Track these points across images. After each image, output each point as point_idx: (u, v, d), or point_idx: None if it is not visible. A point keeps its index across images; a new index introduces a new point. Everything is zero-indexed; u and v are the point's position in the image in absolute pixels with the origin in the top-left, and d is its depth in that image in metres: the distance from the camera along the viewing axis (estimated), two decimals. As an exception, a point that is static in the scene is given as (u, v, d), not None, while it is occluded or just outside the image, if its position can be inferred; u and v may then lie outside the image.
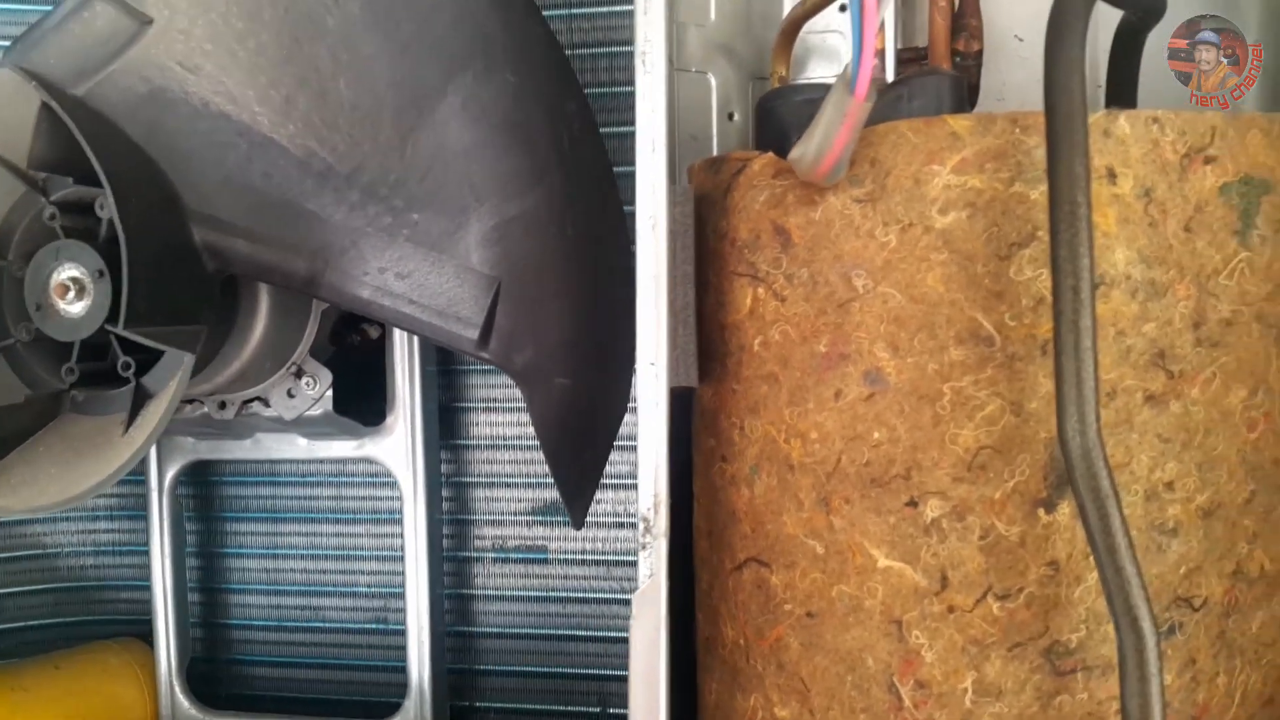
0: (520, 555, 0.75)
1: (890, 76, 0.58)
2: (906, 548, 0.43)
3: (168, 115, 0.51)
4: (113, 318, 0.48)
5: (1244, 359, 0.44)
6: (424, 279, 0.53)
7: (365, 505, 0.76)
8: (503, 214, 0.53)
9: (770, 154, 0.47)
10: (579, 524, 0.64)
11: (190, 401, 0.66)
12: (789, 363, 0.46)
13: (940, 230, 0.43)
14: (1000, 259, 0.43)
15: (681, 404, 0.53)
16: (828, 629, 0.45)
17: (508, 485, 0.75)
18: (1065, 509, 0.42)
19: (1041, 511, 0.42)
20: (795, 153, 0.42)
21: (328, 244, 0.52)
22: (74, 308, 0.50)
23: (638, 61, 0.45)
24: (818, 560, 0.45)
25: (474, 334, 0.53)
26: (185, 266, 0.51)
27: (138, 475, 0.76)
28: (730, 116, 0.64)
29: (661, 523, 0.44)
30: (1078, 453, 0.39)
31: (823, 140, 0.41)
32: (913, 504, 0.43)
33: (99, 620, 0.80)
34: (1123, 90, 0.54)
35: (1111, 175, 0.43)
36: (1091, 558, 0.40)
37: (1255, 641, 0.46)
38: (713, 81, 0.63)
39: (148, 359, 0.51)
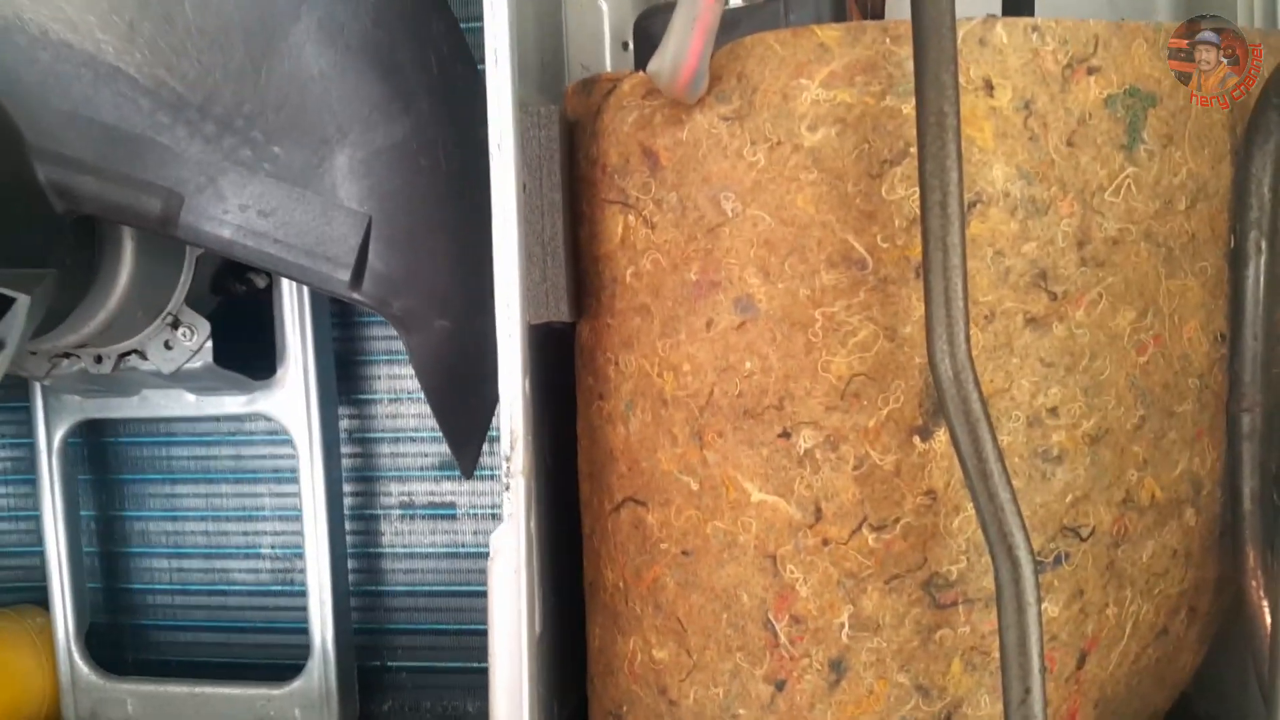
0: (428, 511, 0.73)
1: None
2: (780, 480, 0.41)
3: (4, 45, 0.48)
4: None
5: (1132, 279, 0.43)
6: (289, 216, 0.50)
7: (265, 464, 0.74)
8: (370, 145, 0.50)
9: (641, 73, 0.44)
10: (468, 473, 0.62)
11: (66, 356, 0.63)
12: (660, 293, 0.44)
13: (810, 148, 0.41)
14: (872, 178, 0.40)
15: (566, 342, 0.50)
16: (703, 567, 0.43)
17: (413, 440, 0.73)
18: (942, 436, 0.41)
19: (917, 439, 0.41)
20: (653, 64, 0.39)
21: (183, 180, 0.49)
22: (-89, 254, 0.47)
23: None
24: (692, 497, 0.43)
25: (345, 275, 0.51)
26: (28, 206, 0.48)
27: (26, 438, 0.72)
28: (625, 46, 0.62)
29: (519, 461, 0.42)
30: (947, 375, 0.37)
31: (678, 47, 0.38)
32: (785, 435, 0.41)
33: (-7, 590, 0.77)
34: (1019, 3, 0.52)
35: (989, 87, 0.41)
36: (969, 486, 0.38)
37: (1147, 571, 0.45)
38: (604, 8, 0.60)
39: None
